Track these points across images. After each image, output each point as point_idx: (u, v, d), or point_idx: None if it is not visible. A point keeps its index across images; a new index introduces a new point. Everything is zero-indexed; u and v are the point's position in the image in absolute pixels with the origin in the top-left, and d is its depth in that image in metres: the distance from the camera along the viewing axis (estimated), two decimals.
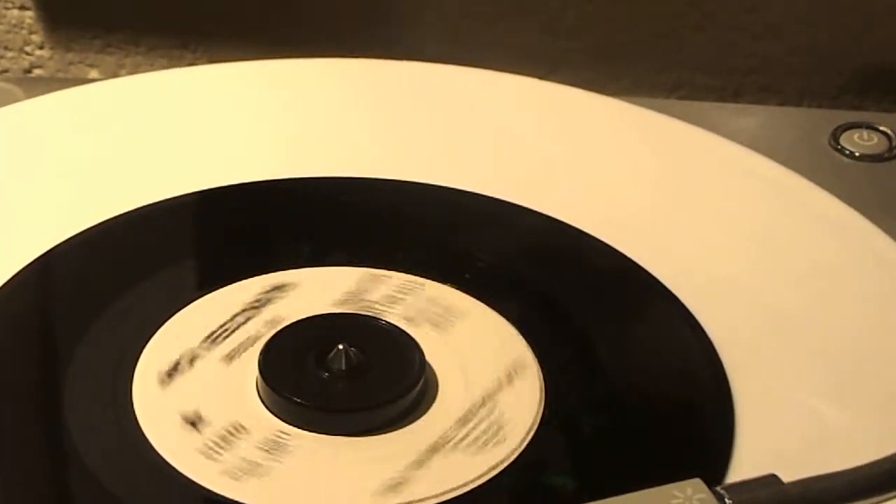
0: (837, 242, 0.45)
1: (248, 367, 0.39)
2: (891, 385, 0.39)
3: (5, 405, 0.38)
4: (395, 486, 0.36)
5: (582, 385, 0.39)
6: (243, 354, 0.39)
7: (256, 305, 0.41)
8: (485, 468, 0.36)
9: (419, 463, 0.36)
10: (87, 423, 0.37)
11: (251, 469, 0.36)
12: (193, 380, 0.39)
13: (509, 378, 0.39)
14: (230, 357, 0.39)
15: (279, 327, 0.40)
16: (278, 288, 0.42)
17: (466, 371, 0.39)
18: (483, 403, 0.38)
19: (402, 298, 0.41)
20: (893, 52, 0.62)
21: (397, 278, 0.42)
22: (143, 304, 0.41)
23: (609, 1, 0.62)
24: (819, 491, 0.33)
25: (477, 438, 0.37)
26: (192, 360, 0.39)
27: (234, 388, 0.38)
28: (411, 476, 0.36)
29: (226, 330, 0.40)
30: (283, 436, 0.37)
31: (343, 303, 0.41)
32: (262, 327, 0.40)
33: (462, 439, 0.37)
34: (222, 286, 0.42)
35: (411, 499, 0.35)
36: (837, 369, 0.40)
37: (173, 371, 0.39)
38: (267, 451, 0.37)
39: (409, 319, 0.41)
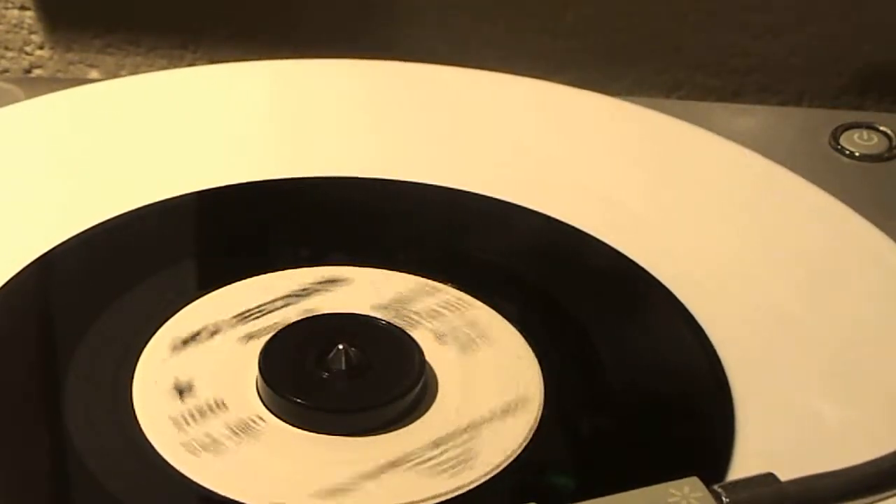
0: (837, 242, 0.45)
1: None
2: (890, 385, 0.39)
3: (5, 405, 0.38)
4: (432, 475, 0.36)
5: (582, 384, 0.39)
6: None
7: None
8: (488, 465, 0.36)
9: (445, 451, 0.37)
10: (88, 423, 0.37)
11: (211, 445, 0.37)
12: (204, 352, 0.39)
13: (509, 377, 0.39)
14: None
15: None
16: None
17: (465, 371, 0.39)
18: (482, 405, 0.38)
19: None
20: (893, 52, 0.62)
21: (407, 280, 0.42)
22: (143, 304, 0.41)
23: (609, 1, 0.62)
24: (817, 489, 0.33)
25: (477, 438, 0.37)
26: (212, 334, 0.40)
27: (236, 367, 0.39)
28: (444, 464, 0.36)
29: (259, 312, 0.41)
30: (258, 422, 0.37)
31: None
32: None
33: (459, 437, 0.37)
34: (222, 286, 0.42)
35: (449, 486, 0.36)
36: (837, 369, 0.40)
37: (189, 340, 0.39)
38: (235, 433, 0.37)
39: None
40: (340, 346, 0.38)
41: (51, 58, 0.65)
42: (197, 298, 0.41)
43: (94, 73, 0.66)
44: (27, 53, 0.65)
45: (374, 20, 0.63)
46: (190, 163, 0.47)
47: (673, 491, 0.32)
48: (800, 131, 0.53)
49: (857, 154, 0.52)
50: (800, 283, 0.43)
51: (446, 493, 0.36)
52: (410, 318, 0.41)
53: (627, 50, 0.63)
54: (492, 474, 0.36)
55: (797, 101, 0.63)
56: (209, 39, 0.64)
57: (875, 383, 0.39)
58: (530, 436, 0.37)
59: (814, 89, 0.63)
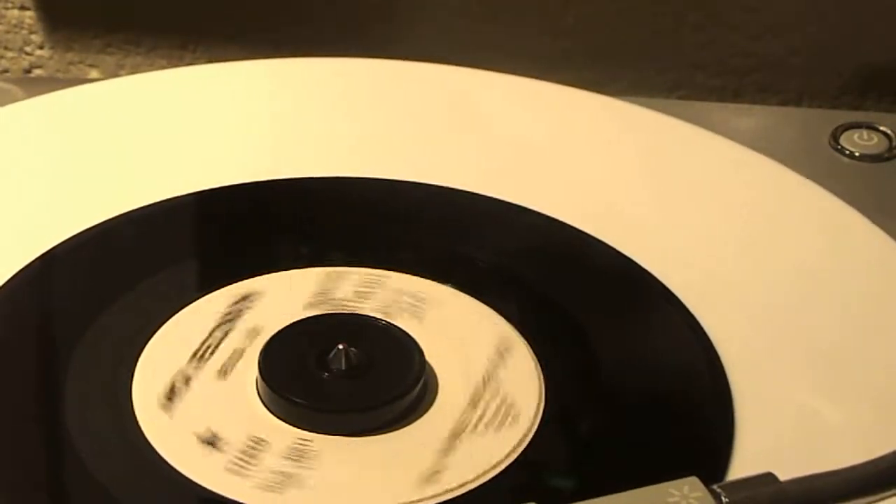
0: (837, 242, 0.45)
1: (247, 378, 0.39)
2: (890, 384, 0.39)
3: (5, 405, 0.38)
4: (431, 475, 0.36)
5: (582, 384, 0.39)
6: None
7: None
8: (487, 466, 0.36)
9: (445, 451, 0.37)
10: (88, 423, 0.37)
11: (285, 480, 0.36)
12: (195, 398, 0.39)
13: (509, 377, 0.39)
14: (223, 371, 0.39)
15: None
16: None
17: (465, 371, 0.39)
18: (483, 405, 0.38)
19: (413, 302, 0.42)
20: (893, 52, 0.62)
21: (397, 278, 0.42)
22: (143, 304, 0.41)
23: (609, 1, 0.62)
24: (816, 489, 0.33)
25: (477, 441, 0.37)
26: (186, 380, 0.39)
27: (240, 401, 0.38)
28: (443, 463, 0.36)
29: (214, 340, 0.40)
30: (305, 442, 0.37)
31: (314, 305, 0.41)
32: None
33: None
34: (222, 286, 0.42)
35: (448, 486, 0.36)
36: (837, 368, 0.40)
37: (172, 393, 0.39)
38: (293, 459, 0.37)
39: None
40: (340, 346, 0.38)
41: (51, 58, 0.65)
42: (197, 299, 0.41)
43: (94, 73, 0.66)
44: (27, 53, 0.65)
45: (374, 20, 0.63)
46: (189, 163, 0.47)
47: (672, 491, 0.32)
48: (800, 131, 0.53)
49: (857, 154, 0.52)
50: (800, 283, 0.43)
51: (447, 493, 0.36)
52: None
53: (627, 50, 0.63)
54: (492, 474, 0.36)
55: (797, 101, 0.63)
56: (209, 39, 0.64)
57: (874, 383, 0.39)
58: (530, 436, 0.37)
59: (814, 89, 0.63)
